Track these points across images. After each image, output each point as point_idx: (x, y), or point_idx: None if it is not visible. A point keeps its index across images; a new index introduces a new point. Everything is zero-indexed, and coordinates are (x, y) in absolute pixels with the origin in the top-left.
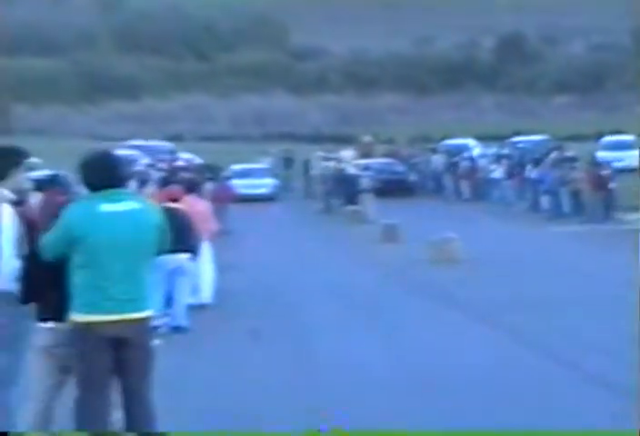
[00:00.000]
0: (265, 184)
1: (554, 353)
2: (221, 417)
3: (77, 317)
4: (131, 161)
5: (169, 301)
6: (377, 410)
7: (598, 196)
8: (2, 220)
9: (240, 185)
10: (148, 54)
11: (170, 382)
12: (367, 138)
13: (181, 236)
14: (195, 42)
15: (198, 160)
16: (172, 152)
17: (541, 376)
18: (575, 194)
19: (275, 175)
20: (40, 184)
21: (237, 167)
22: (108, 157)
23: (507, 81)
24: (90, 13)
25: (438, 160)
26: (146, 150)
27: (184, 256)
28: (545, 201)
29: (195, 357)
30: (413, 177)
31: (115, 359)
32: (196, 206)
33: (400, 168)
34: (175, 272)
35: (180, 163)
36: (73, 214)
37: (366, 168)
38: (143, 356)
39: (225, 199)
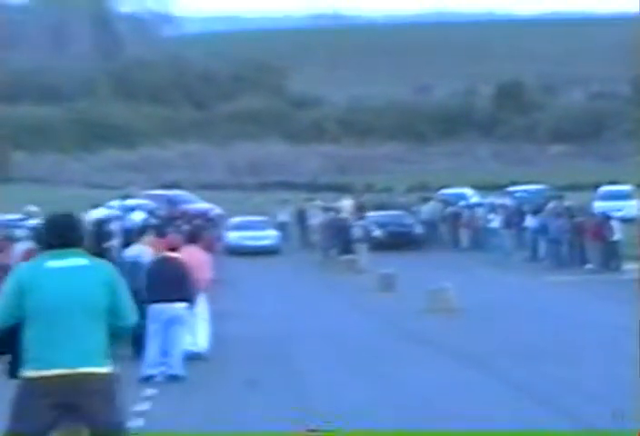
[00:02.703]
0: (267, 236)
1: (551, 403)
2: None
3: (24, 372)
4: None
5: (165, 350)
6: None
7: (599, 246)
8: None
9: (242, 238)
10: (146, 102)
11: (166, 431)
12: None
13: (178, 285)
14: (192, 90)
15: (217, 210)
16: (183, 201)
17: (538, 426)
18: (577, 244)
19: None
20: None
21: (237, 220)
22: (61, 219)
23: (505, 129)
24: (89, 60)
25: (430, 208)
26: (162, 199)
27: (180, 305)
28: (543, 250)
29: (191, 406)
30: (419, 229)
31: (73, 419)
32: (194, 256)
33: (408, 220)
34: (172, 322)
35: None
36: (20, 271)
37: (375, 221)
38: (101, 421)
39: (216, 248)
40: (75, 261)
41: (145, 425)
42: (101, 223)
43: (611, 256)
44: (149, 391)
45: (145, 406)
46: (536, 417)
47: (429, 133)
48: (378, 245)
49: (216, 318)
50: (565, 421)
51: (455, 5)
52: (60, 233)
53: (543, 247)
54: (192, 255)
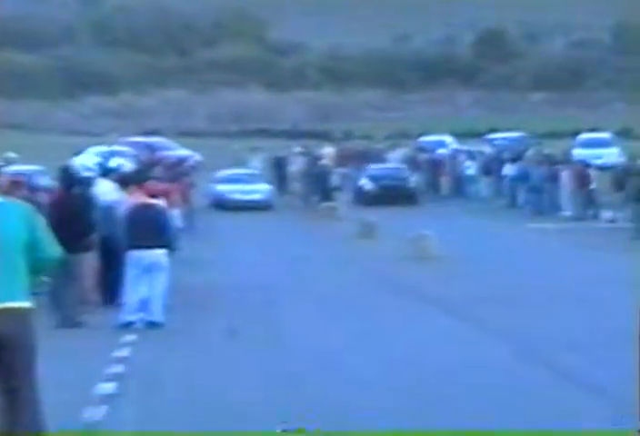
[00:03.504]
0: (258, 190)
1: (529, 351)
2: (197, 410)
3: None
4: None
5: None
6: (352, 404)
7: (581, 194)
8: None
9: (231, 191)
10: (127, 50)
11: (147, 377)
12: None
13: (157, 232)
14: (174, 37)
15: (197, 157)
16: (163, 148)
17: (512, 373)
18: (556, 192)
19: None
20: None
21: (226, 172)
22: None
23: (485, 77)
24: (70, 7)
25: (399, 156)
26: (142, 146)
27: (160, 252)
28: (522, 197)
29: (171, 353)
30: (414, 183)
31: None
32: None
33: (404, 174)
34: (152, 268)
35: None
36: None
37: (370, 174)
38: (15, 353)
39: (191, 194)
40: None
41: (124, 371)
42: (68, 170)
43: (588, 204)
44: (128, 338)
45: (124, 352)
46: (513, 366)
47: (409, 81)
48: (372, 199)
49: (196, 267)
50: (542, 369)
51: None
52: None
53: (522, 194)
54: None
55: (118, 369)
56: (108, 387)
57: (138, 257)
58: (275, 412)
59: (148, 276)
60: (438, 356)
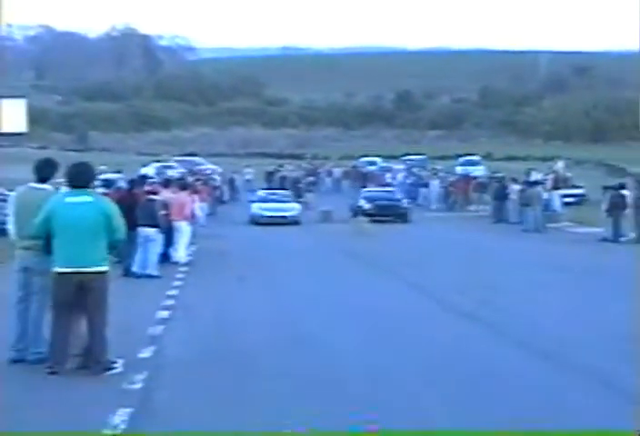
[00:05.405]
0: (290, 208)
1: (434, 296)
2: (223, 328)
3: (54, 268)
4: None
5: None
6: (317, 323)
7: (460, 195)
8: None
9: (265, 209)
10: (176, 101)
11: (190, 307)
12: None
13: (151, 217)
14: (205, 94)
15: (219, 169)
16: (198, 164)
17: (422, 311)
18: (446, 194)
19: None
20: (109, 183)
21: (262, 193)
22: (74, 167)
23: (401, 121)
24: (139, 74)
25: (340, 170)
26: (185, 162)
27: (152, 230)
28: (422, 197)
29: (206, 291)
30: (405, 204)
31: (80, 300)
32: (179, 198)
33: (397, 196)
34: (147, 240)
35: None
36: (50, 203)
37: (366, 196)
38: (95, 298)
39: (212, 195)
40: (83, 198)
41: (175, 304)
42: (143, 176)
43: (465, 201)
44: (176, 283)
45: (174, 292)
46: (423, 305)
47: (353, 123)
48: (369, 216)
49: (216, 238)
50: (441, 307)
51: (371, 41)
52: (72, 178)
53: (421, 195)
54: (179, 198)
55: (170, 302)
56: (164, 313)
57: (138, 233)
58: (271, 326)
59: (146, 244)
60: (367, 295)
